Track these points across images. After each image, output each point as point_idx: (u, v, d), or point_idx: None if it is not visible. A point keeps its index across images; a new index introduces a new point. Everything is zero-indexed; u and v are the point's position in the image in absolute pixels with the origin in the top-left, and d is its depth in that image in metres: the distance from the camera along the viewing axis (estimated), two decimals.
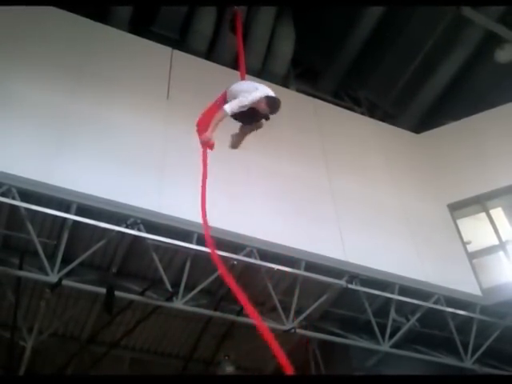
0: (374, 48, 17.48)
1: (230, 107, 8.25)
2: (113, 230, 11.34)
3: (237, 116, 8.48)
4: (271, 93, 8.50)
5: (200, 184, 8.17)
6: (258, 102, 8.28)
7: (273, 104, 8.40)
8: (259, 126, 8.92)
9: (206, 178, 8.28)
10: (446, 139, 16.73)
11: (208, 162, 8.62)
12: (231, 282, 6.07)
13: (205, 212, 7.65)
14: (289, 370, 4.80)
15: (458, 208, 15.54)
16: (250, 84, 8.86)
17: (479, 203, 15.44)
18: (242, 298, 5.66)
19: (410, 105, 18.34)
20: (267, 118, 8.68)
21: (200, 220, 11.68)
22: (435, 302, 13.70)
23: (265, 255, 12.33)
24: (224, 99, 8.65)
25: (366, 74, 18.61)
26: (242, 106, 8.24)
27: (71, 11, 13.72)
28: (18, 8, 12.61)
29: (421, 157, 16.54)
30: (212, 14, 15.70)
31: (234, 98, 8.41)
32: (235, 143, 9.08)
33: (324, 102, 17.12)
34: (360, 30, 17.02)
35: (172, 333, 14.35)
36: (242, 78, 10.05)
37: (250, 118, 8.61)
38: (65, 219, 11.22)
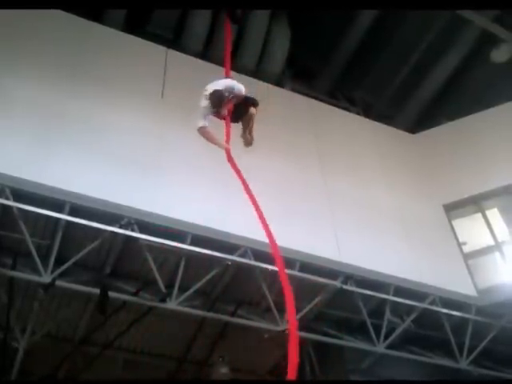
0: (369, 48, 17.46)
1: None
2: (106, 231, 11.27)
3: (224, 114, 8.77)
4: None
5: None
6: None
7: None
8: (252, 114, 9.13)
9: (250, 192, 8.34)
10: (441, 139, 16.74)
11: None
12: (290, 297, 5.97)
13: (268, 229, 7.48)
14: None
15: (454, 208, 15.54)
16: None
17: (475, 204, 15.46)
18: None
19: (406, 105, 18.35)
20: (256, 104, 8.95)
21: (195, 221, 11.82)
22: (430, 303, 13.70)
23: (259, 255, 12.24)
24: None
25: (361, 73, 18.56)
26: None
27: (65, 10, 13.64)
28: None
29: (416, 157, 16.53)
30: (207, 14, 15.63)
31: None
32: (248, 140, 9.27)
33: (319, 102, 17.09)
34: (356, 30, 17.01)
35: (166, 334, 14.25)
36: None
37: (237, 114, 8.87)
38: (58, 219, 11.14)
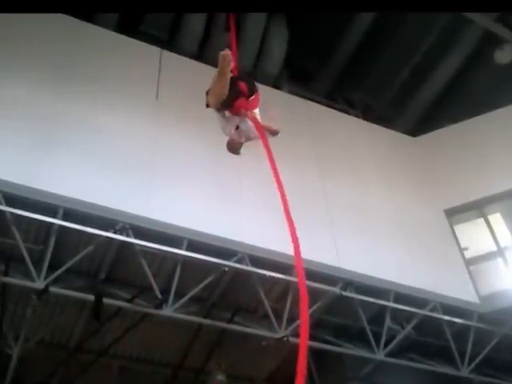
0: (369, 49, 17.33)
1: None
2: (101, 236, 11.10)
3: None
4: None
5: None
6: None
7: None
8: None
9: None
10: (443, 143, 16.60)
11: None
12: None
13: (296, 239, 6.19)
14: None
15: (456, 213, 15.40)
16: None
17: (477, 208, 15.34)
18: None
19: (406, 107, 18.19)
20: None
21: (191, 226, 11.63)
22: (431, 310, 13.56)
23: (256, 261, 12.14)
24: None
25: (360, 75, 18.40)
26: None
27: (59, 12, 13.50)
28: None
29: (417, 161, 16.39)
30: (202, 15, 15.51)
31: None
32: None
33: (317, 104, 16.95)
34: (355, 31, 16.88)
35: (161, 341, 14.10)
36: None
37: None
38: (51, 224, 10.98)
